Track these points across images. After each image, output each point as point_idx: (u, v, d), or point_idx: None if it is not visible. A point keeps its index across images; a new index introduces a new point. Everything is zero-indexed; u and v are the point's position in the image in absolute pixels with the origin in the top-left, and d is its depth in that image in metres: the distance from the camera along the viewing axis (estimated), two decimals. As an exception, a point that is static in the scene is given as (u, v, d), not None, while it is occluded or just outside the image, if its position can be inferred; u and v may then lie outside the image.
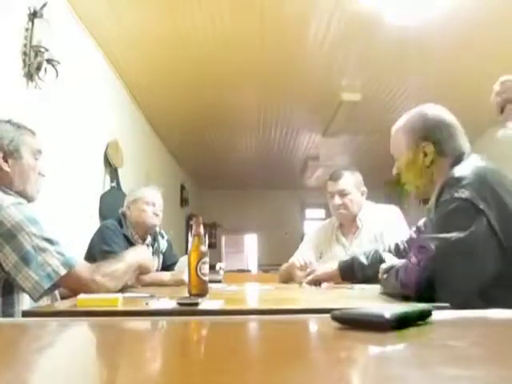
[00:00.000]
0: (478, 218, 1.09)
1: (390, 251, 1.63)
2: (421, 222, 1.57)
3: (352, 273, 1.65)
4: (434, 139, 1.31)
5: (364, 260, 1.63)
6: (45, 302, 1.22)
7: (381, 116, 4.67)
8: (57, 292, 1.30)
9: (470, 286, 1.09)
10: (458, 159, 1.27)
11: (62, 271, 1.18)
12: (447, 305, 0.94)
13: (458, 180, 1.16)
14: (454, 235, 1.09)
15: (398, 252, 1.62)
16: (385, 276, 1.31)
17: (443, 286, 1.06)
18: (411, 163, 1.35)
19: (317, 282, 1.71)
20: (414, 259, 1.16)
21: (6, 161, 1.30)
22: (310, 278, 1.73)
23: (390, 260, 1.41)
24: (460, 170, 1.20)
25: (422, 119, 1.35)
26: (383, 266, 1.36)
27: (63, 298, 1.32)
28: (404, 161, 1.37)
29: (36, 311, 1.06)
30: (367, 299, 1.31)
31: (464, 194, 1.11)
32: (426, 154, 1.31)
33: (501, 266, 1.09)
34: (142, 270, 1.57)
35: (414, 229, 1.64)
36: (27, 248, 1.16)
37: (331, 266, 1.73)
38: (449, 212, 1.14)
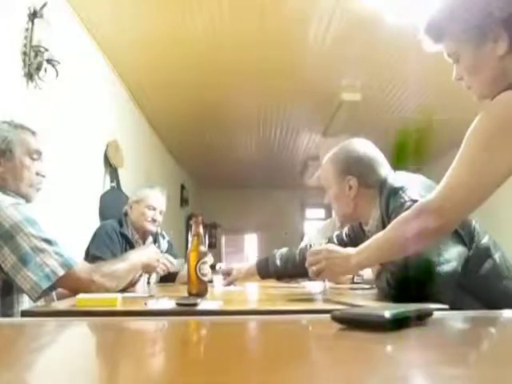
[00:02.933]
0: None
1: (332, 242, 1.67)
2: (341, 233, 1.72)
3: (266, 270, 1.75)
4: (357, 174, 1.42)
5: (278, 259, 1.73)
6: (42, 303, 1.22)
7: (381, 116, 4.67)
8: (54, 293, 1.30)
9: (448, 279, 1.11)
10: (383, 186, 1.36)
11: (61, 272, 1.18)
12: (447, 306, 0.94)
13: (400, 188, 1.26)
14: None
15: (342, 242, 1.66)
16: (376, 279, 1.32)
17: (428, 283, 1.08)
18: (338, 195, 1.47)
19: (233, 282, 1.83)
20: (392, 264, 1.18)
21: None
22: (228, 279, 1.84)
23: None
24: (396, 181, 1.31)
25: (347, 155, 1.46)
26: (374, 269, 1.37)
27: (59, 298, 1.32)
28: (332, 192, 1.49)
29: (35, 311, 1.05)
30: (368, 299, 1.31)
31: (411, 196, 1.21)
32: (350, 187, 1.43)
33: (469, 256, 1.16)
34: (146, 270, 1.56)
35: (334, 235, 1.75)
36: (26, 249, 1.15)
37: (249, 263, 1.86)
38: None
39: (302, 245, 1.84)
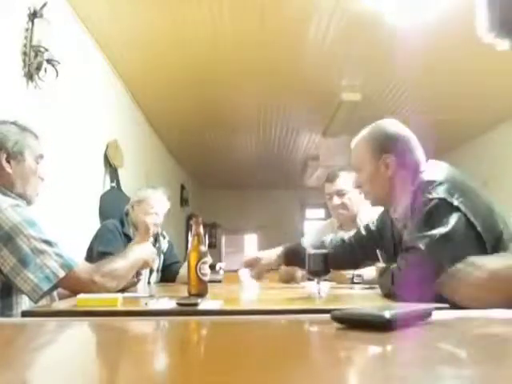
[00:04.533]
0: (455, 213, 1.15)
1: (359, 233, 1.64)
2: (372, 224, 1.61)
3: (297, 257, 1.58)
4: (395, 152, 1.35)
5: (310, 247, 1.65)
6: (43, 302, 1.22)
7: (381, 116, 4.64)
8: (55, 293, 1.30)
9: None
10: (417, 171, 1.32)
11: (61, 273, 1.18)
12: (447, 305, 0.94)
13: (430, 183, 1.21)
14: (437, 232, 1.14)
15: (370, 232, 1.61)
16: (379, 278, 1.32)
17: (434, 279, 1.07)
18: (373, 175, 1.39)
19: (263, 273, 1.70)
20: (402, 261, 1.18)
21: (9, 162, 1.30)
22: (255, 272, 1.69)
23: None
24: (429, 175, 1.26)
25: (383, 133, 1.40)
26: (379, 265, 1.37)
27: (61, 298, 1.32)
28: (366, 173, 1.41)
29: (36, 311, 1.06)
30: (368, 299, 1.31)
31: (438, 193, 1.17)
32: (387, 166, 1.36)
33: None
34: (144, 266, 1.56)
35: (363, 225, 1.66)
36: (25, 250, 1.15)
37: (275, 251, 1.69)
38: (428, 212, 1.18)
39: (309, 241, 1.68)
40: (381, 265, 1.38)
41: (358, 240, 1.62)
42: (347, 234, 1.67)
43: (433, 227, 1.15)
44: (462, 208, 1.15)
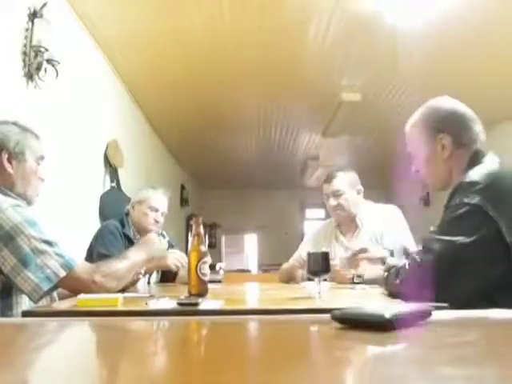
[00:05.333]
0: (486, 224, 1.07)
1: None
2: None
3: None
4: (450, 131, 1.27)
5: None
6: (43, 302, 1.22)
7: (381, 116, 4.67)
8: (55, 293, 1.30)
9: (470, 291, 1.08)
10: (476, 154, 1.24)
11: (62, 273, 1.18)
12: (447, 305, 0.94)
13: (471, 184, 1.13)
14: (459, 239, 1.08)
15: None
16: (385, 274, 1.31)
17: (443, 288, 1.05)
18: (429, 157, 1.31)
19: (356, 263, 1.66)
20: (415, 259, 1.16)
21: (10, 162, 1.30)
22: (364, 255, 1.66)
23: None
24: (473, 174, 1.16)
25: (436, 112, 1.32)
26: (388, 262, 1.36)
27: (61, 298, 1.32)
28: (422, 156, 1.34)
29: (36, 311, 1.06)
30: (368, 299, 1.31)
31: (474, 199, 1.09)
32: (443, 147, 1.28)
33: (507, 272, 1.07)
34: (159, 266, 1.57)
35: None
36: (26, 250, 1.15)
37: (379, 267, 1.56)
38: (457, 216, 1.12)
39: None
40: (389, 260, 1.35)
41: None
42: None
43: (456, 233, 1.10)
44: (496, 218, 1.07)
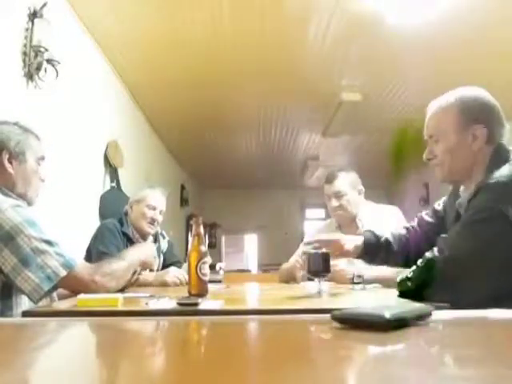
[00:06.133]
0: (508, 230, 1.03)
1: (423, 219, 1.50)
2: (439, 207, 1.45)
3: (376, 252, 1.49)
4: (487, 123, 1.20)
5: (394, 244, 1.48)
6: (43, 302, 1.22)
7: (381, 116, 4.67)
8: (55, 293, 1.30)
9: (483, 296, 1.03)
10: (501, 152, 1.18)
11: (62, 273, 1.18)
12: (447, 305, 0.93)
13: (496, 185, 1.07)
14: (475, 245, 1.05)
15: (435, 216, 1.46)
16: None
17: (453, 292, 1.02)
18: (457, 146, 1.22)
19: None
20: (427, 254, 1.11)
21: (11, 162, 1.30)
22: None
23: None
24: (500, 175, 1.09)
25: (475, 100, 1.23)
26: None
27: (61, 298, 1.32)
28: (448, 143, 1.24)
29: (36, 311, 1.06)
30: (368, 299, 1.31)
31: (497, 203, 1.04)
32: (475, 138, 1.20)
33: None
34: (144, 266, 1.58)
35: (426, 212, 1.50)
36: (26, 250, 1.15)
37: (354, 238, 1.54)
38: (477, 220, 1.08)
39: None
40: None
41: (422, 226, 1.48)
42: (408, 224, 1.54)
43: (473, 238, 1.06)
44: None
